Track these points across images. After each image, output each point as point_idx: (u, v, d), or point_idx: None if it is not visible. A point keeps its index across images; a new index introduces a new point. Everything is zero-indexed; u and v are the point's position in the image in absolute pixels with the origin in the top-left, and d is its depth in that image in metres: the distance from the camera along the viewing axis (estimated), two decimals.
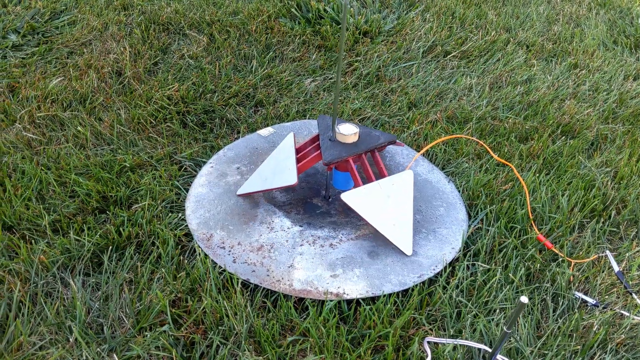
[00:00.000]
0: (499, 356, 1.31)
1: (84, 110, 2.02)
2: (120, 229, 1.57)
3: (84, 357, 1.29)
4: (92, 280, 1.48)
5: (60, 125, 1.97)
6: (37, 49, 2.34)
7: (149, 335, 1.34)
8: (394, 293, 1.48)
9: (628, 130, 2.15)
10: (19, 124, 1.93)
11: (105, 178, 1.72)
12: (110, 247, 1.53)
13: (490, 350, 1.36)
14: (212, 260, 1.53)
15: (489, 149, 1.95)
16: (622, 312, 1.50)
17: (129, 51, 2.34)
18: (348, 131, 1.66)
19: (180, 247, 1.58)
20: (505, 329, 1.20)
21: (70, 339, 1.34)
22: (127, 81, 2.20)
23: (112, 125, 1.96)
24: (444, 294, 1.49)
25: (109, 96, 2.10)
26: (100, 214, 1.65)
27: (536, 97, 2.28)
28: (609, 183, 1.88)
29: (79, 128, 1.93)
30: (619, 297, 1.54)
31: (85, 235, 1.55)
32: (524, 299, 1.13)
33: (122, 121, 1.99)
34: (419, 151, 1.97)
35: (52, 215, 1.61)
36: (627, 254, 1.65)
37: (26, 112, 1.98)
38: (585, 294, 1.56)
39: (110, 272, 1.49)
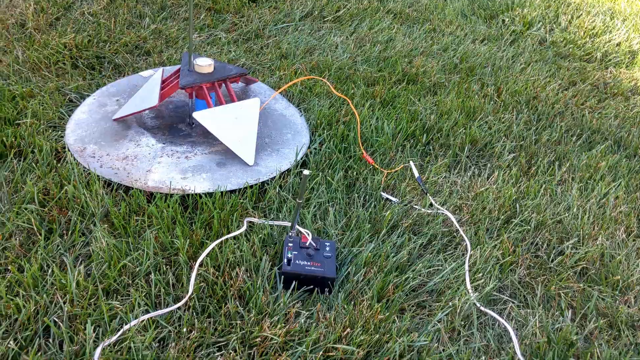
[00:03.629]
0: (298, 227, 1.66)
1: None
2: (4, 139, 1.86)
3: None
4: None
5: None
6: None
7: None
8: (231, 190, 1.82)
9: (462, 80, 2.54)
10: None
11: None
12: None
13: None
14: (81, 165, 1.84)
15: (331, 86, 2.31)
16: (415, 206, 1.87)
17: (34, 7, 2.62)
18: (204, 62, 2.00)
19: (56, 156, 1.88)
20: (297, 200, 1.55)
21: None
22: (29, 32, 2.48)
23: (9, 65, 2.24)
24: (273, 192, 1.83)
25: (10, 42, 2.38)
26: None
27: (391, 53, 2.66)
28: (432, 117, 2.26)
29: None
30: (415, 197, 1.92)
31: None
32: (306, 171, 1.48)
33: (20, 62, 2.27)
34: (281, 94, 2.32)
35: None
36: (430, 167, 2.03)
37: None
38: (393, 196, 1.92)
39: None
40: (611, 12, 3.51)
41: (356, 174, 1.95)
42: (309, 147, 2.07)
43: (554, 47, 2.94)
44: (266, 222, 1.72)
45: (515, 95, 2.47)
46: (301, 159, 2.00)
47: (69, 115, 2.07)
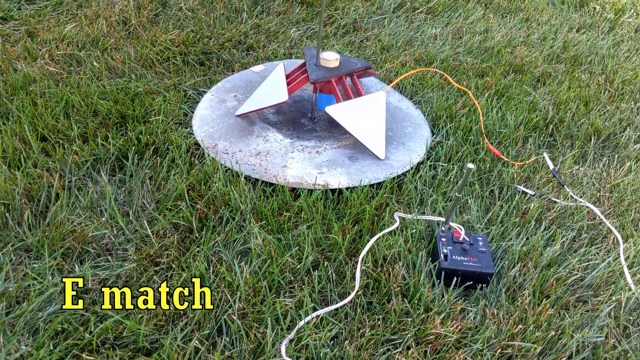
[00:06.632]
0: (451, 223, 1.64)
1: (97, 49, 2.30)
2: (140, 136, 1.86)
3: (118, 227, 1.59)
4: (117, 177, 1.77)
5: (77, 62, 2.24)
6: (48, 1, 2.60)
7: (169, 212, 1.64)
8: (370, 185, 1.80)
9: (568, 70, 2.50)
10: (41, 60, 2.20)
11: (122, 100, 2.01)
12: (132, 150, 1.82)
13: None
14: (218, 162, 1.83)
15: (449, 78, 2.28)
16: (554, 199, 1.84)
17: (132, 4, 2.62)
18: (331, 57, 1.98)
19: (189, 152, 1.88)
20: (456, 193, 1.53)
21: (103, 219, 1.63)
22: (132, 29, 2.48)
23: (123, 62, 2.24)
24: (410, 185, 1.81)
25: (118, 40, 2.38)
26: (120, 128, 1.93)
27: (492, 44, 2.62)
28: (550, 107, 2.22)
29: (94, 63, 2.21)
30: (553, 189, 1.89)
31: (109, 142, 1.84)
32: (471, 165, 1.45)
33: (132, 59, 2.27)
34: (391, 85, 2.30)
35: (80, 127, 1.89)
36: (561, 158, 2.00)
37: (46, 51, 2.25)
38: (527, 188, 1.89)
39: (132, 171, 1.78)
40: None
41: (488, 166, 1.93)
42: (432, 140, 2.04)
43: None
44: (418, 217, 1.70)
45: (627, 84, 2.42)
46: (428, 151, 1.98)
47: (192, 112, 2.06)
